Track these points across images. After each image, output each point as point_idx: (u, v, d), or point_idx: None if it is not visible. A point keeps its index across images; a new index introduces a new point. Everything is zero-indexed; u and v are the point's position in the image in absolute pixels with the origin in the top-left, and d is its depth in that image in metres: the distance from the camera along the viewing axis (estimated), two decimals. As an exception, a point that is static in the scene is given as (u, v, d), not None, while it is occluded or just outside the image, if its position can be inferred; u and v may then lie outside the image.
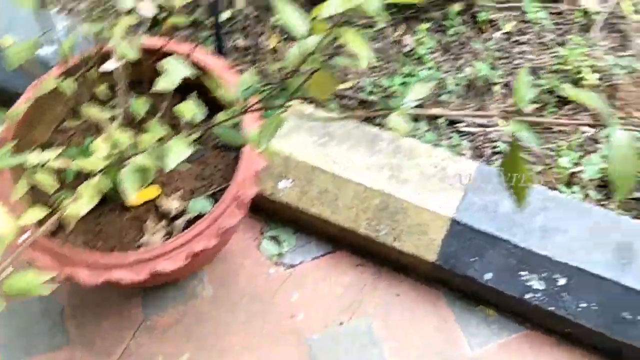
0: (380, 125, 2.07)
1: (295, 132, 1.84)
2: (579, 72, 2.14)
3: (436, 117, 2.13)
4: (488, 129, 2.13)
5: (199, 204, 1.46)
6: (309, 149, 1.81)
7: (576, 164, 1.93)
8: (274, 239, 1.89)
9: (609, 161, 0.97)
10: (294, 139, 1.83)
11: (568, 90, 1.05)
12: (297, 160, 1.80)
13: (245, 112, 1.24)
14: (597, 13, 2.35)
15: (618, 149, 0.98)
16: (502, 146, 2.06)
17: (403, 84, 2.15)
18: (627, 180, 0.98)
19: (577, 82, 2.15)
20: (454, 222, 1.67)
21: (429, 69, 2.26)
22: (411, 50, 2.31)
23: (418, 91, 1.15)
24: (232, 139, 1.17)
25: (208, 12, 2.14)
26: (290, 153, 1.81)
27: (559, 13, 2.39)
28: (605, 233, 1.65)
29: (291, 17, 1.06)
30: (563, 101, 2.16)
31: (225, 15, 2.37)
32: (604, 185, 1.91)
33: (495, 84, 2.22)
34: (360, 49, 1.01)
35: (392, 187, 1.74)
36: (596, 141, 2.03)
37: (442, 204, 1.70)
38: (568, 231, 1.65)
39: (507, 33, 2.35)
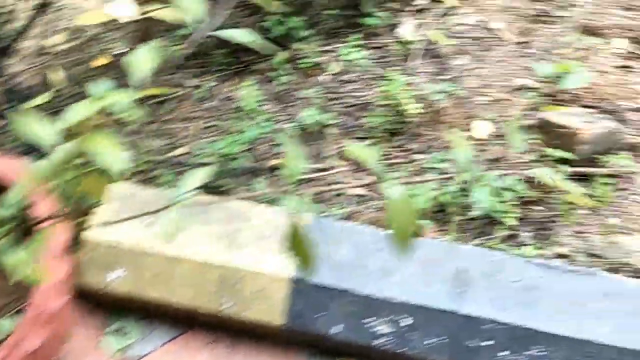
0: (217, 189, 2.02)
1: (120, 217, 1.75)
2: (402, 104, 2.20)
3: (276, 168, 2.12)
4: (326, 173, 2.13)
5: (5, 324, 1.33)
6: (137, 232, 1.72)
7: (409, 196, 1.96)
8: (119, 332, 1.77)
9: (388, 215, 0.97)
10: (120, 224, 1.74)
11: (349, 148, 1.05)
12: (126, 246, 1.71)
13: (23, 226, 1.14)
14: (414, 42, 2.44)
15: (394, 203, 0.98)
16: (340, 188, 2.07)
17: (234, 142, 2.12)
18: (405, 231, 0.98)
19: (402, 114, 2.21)
20: (294, 281, 1.64)
21: (266, 120, 2.24)
22: (243, 104, 2.28)
23: (196, 179, 1.11)
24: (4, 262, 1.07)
25: (17, 99, 2.01)
26: (118, 240, 1.71)
27: (380, 47, 2.47)
28: (440, 264, 1.68)
29: (35, 130, 0.98)
30: (392, 132, 2.21)
31: (40, 99, 2.24)
32: (441, 210, 1.96)
33: (328, 126, 2.24)
34: (111, 158, 0.94)
35: (229, 256, 1.69)
36: (425, 170, 2.08)
37: (280, 264, 1.67)
38: (404, 269, 1.67)
39: (334, 74, 2.39)
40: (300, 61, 2.39)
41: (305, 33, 2.44)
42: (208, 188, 2.02)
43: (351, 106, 2.31)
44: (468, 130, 2.23)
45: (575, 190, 0.96)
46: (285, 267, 1.66)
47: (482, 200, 0.98)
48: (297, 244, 1.00)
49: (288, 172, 1.01)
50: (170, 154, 2.15)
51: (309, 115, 2.23)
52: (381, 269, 1.66)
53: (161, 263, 1.70)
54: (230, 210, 1.78)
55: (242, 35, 1.05)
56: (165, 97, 2.36)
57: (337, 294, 1.64)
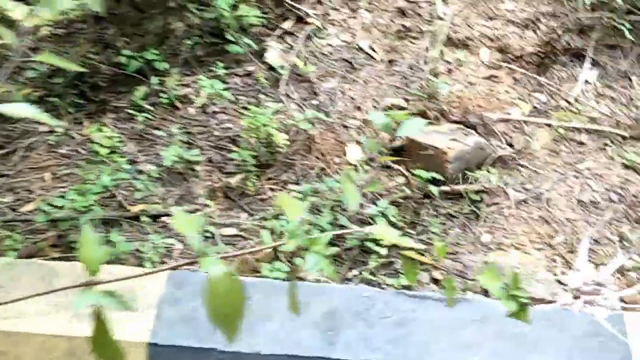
0: (70, 245, 1.84)
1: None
2: (272, 134, 2.11)
3: (137, 217, 1.96)
4: (195, 215, 2.00)
5: None
6: (-30, 310, 1.53)
7: (281, 234, 1.87)
8: (-40, 423, 1.56)
9: (206, 302, 0.85)
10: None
11: (173, 217, 0.93)
12: (-44, 328, 1.51)
13: None
14: (282, 67, 2.36)
15: (215, 288, 0.85)
16: (213, 230, 1.95)
17: (90, 191, 1.95)
18: (231, 320, 0.86)
19: (272, 144, 2.12)
20: (152, 346, 1.51)
21: (127, 163, 2.08)
22: (101, 147, 2.11)
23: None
24: None
25: None
26: (-54, 322, 1.51)
27: (247, 74, 2.37)
28: (310, 307, 1.59)
29: None
30: (264, 165, 2.11)
31: None
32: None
33: (195, 163, 2.11)
34: None
35: (78, 326, 1.52)
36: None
37: (135, 329, 1.52)
38: (273, 317, 1.57)
39: (199, 107, 2.26)
40: (162, 95, 2.25)
41: (166, 65, 2.30)
42: (59, 247, 1.84)
43: (219, 140, 2.19)
44: (342, 154, 2.18)
45: (411, 247, 0.89)
46: (142, 331, 1.52)
47: (314, 267, 0.89)
48: (102, 342, 0.87)
49: (86, 264, 0.88)
50: (18, 212, 1.95)
51: (173, 153, 2.09)
52: (247, 322, 1.55)
53: (2, 341, 1.51)
54: (76, 275, 1.61)
55: (22, 110, 0.91)
56: (15, 146, 2.16)
57: (201, 354, 1.51)
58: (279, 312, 1.58)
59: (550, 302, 0.79)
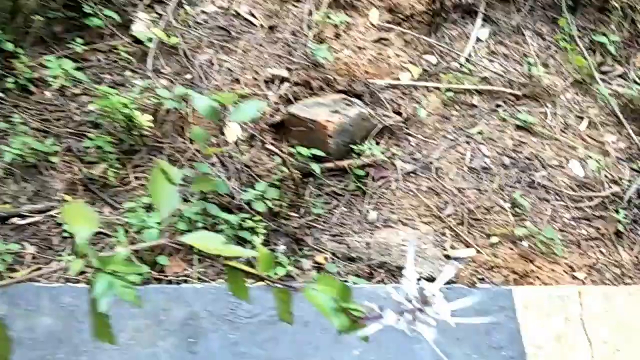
0: None
1: None
2: (136, 116, 1.89)
3: (-19, 221, 1.72)
4: (51, 213, 1.78)
5: None
6: None
7: (140, 231, 1.67)
8: None
9: None
10: None
11: None
12: None
13: None
14: (150, 40, 2.13)
15: None
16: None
17: None
18: None
19: (139, 127, 1.89)
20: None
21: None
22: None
23: None
24: None
25: None
26: None
27: (110, 50, 2.12)
28: (169, 312, 1.42)
29: None
30: (130, 150, 1.90)
31: None
32: (185, 250, 1.69)
33: (51, 154, 1.87)
34: None
35: None
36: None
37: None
38: (127, 328, 1.39)
39: (55, 90, 2.00)
40: (10, 80, 1.98)
41: (15, 45, 2.02)
42: None
43: (80, 125, 1.96)
44: (220, 134, 1.98)
45: (238, 255, 0.73)
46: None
47: (105, 293, 0.69)
48: None
49: None
50: None
51: (19, 145, 1.83)
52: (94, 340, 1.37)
53: None
54: None
55: None
56: None
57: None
58: (135, 320, 1.40)
59: (378, 316, 0.64)
